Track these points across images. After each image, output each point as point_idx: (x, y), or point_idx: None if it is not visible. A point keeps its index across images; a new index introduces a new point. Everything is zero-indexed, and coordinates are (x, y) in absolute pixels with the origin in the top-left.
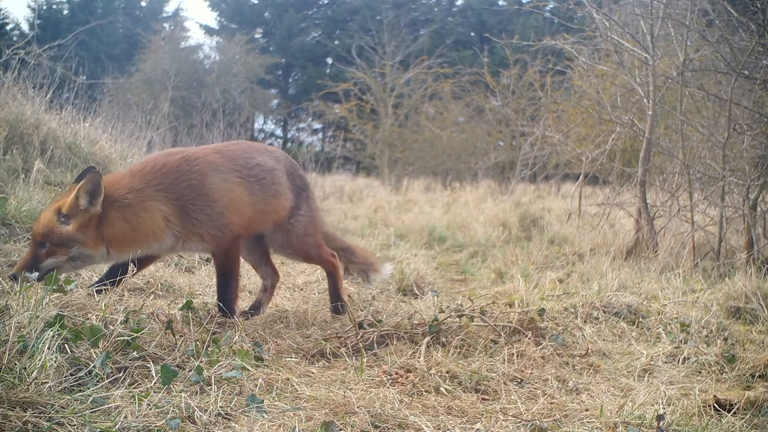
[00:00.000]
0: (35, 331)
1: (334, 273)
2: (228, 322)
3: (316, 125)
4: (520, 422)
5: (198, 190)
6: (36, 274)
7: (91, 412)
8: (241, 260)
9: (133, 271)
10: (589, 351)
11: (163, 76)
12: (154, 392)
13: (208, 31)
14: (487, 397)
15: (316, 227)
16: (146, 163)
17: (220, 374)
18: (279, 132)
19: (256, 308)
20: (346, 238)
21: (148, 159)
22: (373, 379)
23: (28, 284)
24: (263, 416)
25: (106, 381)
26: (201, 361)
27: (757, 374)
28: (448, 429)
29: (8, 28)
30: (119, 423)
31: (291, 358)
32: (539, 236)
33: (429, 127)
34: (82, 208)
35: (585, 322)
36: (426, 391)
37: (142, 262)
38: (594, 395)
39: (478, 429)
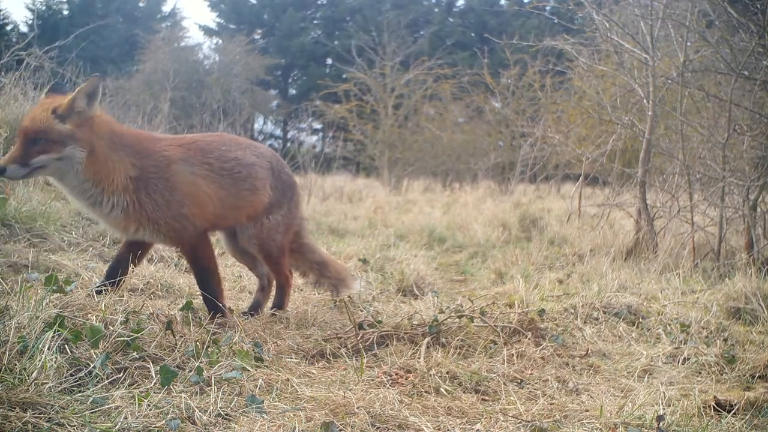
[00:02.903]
0: (35, 332)
1: (285, 288)
2: (228, 323)
3: (316, 125)
4: (520, 423)
5: (162, 172)
6: (24, 171)
7: (91, 412)
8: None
9: (132, 270)
10: (589, 352)
11: (162, 76)
12: (154, 393)
13: (207, 31)
14: (487, 397)
15: (287, 231)
16: (132, 131)
17: (220, 375)
18: (279, 132)
19: (255, 308)
20: (323, 251)
21: (136, 131)
22: (373, 380)
23: (29, 285)
24: (263, 417)
25: (106, 381)
26: (201, 362)
27: (757, 375)
28: (448, 429)
29: (8, 29)
30: (119, 423)
31: (291, 358)
32: (539, 237)
33: (429, 127)
34: (78, 110)
35: (585, 322)
36: (426, 392)
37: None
38: (594, 396)
39: (477, 429)
